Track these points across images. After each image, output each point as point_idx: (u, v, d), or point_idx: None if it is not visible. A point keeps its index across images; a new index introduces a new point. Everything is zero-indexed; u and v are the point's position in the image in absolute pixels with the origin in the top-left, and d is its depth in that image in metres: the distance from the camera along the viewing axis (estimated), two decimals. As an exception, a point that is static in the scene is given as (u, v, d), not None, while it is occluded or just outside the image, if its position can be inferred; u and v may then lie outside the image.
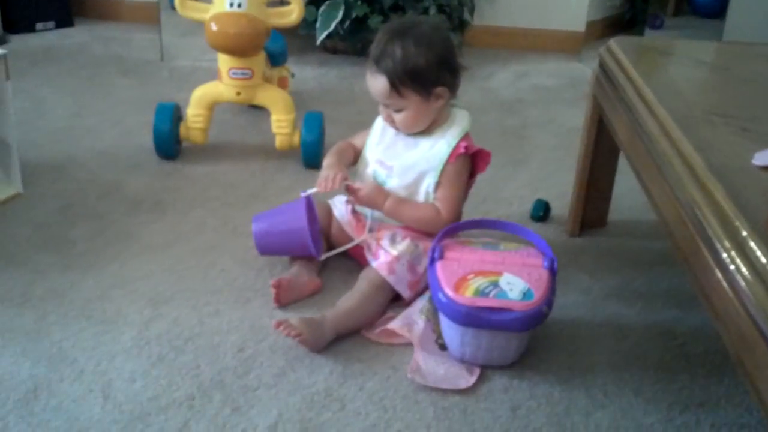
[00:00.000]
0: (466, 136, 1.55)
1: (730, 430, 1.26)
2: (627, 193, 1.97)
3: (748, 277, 0.88)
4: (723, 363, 1.41)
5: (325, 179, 1.53)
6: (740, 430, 1.26)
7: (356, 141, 1.66)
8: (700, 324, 1.52)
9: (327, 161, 1.60)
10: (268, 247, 1.57)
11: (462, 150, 1.51)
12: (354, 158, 1.64)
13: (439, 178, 1.52)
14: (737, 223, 0.94)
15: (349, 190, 1.54)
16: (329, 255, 1.56)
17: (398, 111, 1.51)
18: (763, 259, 0.87)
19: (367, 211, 1.57)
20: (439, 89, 1.49)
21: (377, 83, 1.50)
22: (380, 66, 1.48)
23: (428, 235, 1.52)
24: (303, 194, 1.54)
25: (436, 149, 1.52)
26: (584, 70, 3.05)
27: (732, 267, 0.91)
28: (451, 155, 1.51)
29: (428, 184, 1.53)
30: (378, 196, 1.53)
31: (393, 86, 1.47)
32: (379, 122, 1.61)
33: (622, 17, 3.67)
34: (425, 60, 1.46)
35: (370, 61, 1.50)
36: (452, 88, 1.52)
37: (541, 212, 1.87)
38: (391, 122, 1.54)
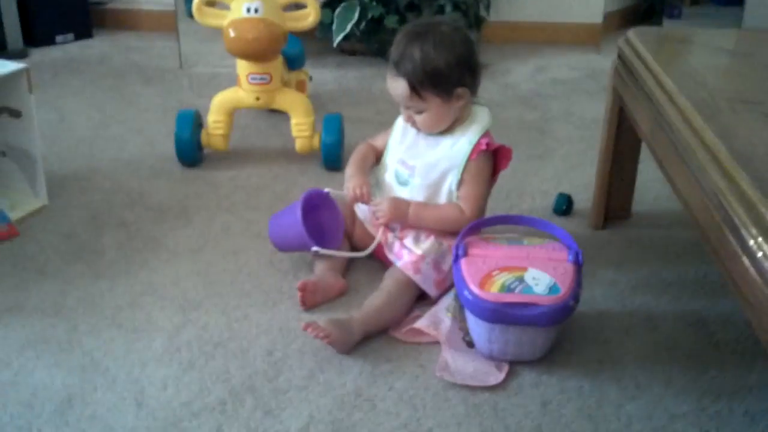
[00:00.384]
0: (486, 133, 1.55)
1: (763, 417, 1.25)
2: (650, 183, 1.96)
3: (777, 263, 0.87)
4: (754, 350, 1.40)
5: (353, 195, 1.57)
6: (774, 418, 1.25)
7: (377, 142, 1.67)
8: (729, 312, 1.51)
9: (349, 170, 1.60)
10: (278, 242, 1.60)
11: (483, 147, 1.51)
12: (376, 160, 1.64)
13: (462, 176, 1.52)
14: (763, 210, 0.93)
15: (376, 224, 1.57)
16: (327, 252, 1.55)
17: (419, 113, 1.51)
18: (792, 246, 0.86)
19: None
20: (460, 90, 1.49)
21: (397, 86, 1.50)
22: (400, 69, 1.48)
23: (452, 233, 1.53)
24: (326, 191, 1.59)
25: (457, 147, 1.52)
26: (603, 62, 3.03)
27: (760, 254, 0.91)
28: (472, 152, 1.51)
29: (451, 182, 1.53)
30: (399, 209, 1.53)
31: (413, 89, 1.47)
32: (400, 122, 1.61)
33: (639, 8, 3.64)
34: (445, 62, 1.46)
35: (390, 64, 1.50)
36: (473, 87, 1.52)
37: (564, 206, 1.86)
38: (413, 123, 1.54)
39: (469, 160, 1.52)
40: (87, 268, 1.63)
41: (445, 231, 1.53)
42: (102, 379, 1.32)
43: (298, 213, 1.52)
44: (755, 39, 1.71)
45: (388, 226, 1.57)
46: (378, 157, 1.65)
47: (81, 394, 1.28)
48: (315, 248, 1.53)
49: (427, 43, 1.46)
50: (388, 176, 1.60)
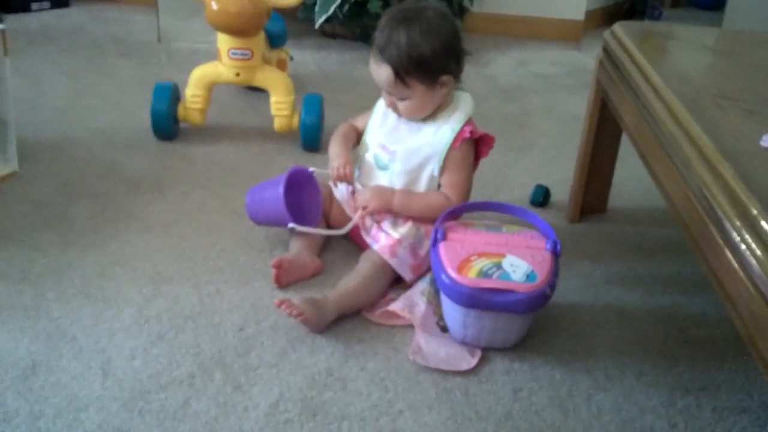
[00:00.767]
0: (469, 121, 1.54)
1: (731, 414, 1.26)
2: (627, 180, 1.97)
3: (760, 256, 0.87)
4: (724, 347, 1.41)
5: (337, 174, 1.54)
6: (741, 414, 1.26)
7: (358, 123, 1.65)
8: (701, 309, 1.52)
9: (333, 149, 1.58)
10: (255, 215, 1.58)
11: (467, 135, 1.50)
12: (358, 140, 1.63)
13: (444, 164, 1.51)
14: (748, 204, 0.94)
15: (360, 210, 1.53)
16: (302, 229, 1.52)
17: (402, 99, 1.50)
18: (775, 239, 0.87)
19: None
20: (445, 77, 1.48)
21: (381, 73, 1.48)
22: (384, 55, 1.46)
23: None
24: (310, 170, 1.57)
25: (440, 134, 1.51)
26: (583, 58, 3.04)
27: (743, 247, 0.91)
28: (455, 140, 1.50)
29: (432, 168, 1.52)
30: (384, 197, 1.52)
31: (398, 76, 1.46)
32: (381, 105, 1.59)
33: (621, 7, 3.67)
34: (431, 49, 1.44)
35: (375, 49, 1.48)
36: (457, 74, 1.51)
37: (541, 198, 1.87)
38: (395, 109, 1.52)
39: (452, 147, 1.50)
40: (56, 236, 1.60)
41: (429, 219, 1.52)
42: (68, 347, 1.29)
43: (281, 188, 1.50)
44: (737, 38, 1.72)
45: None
46: (358, 137, 1.63)
47: (46, 361, 1.25)
48: (291, 225, 1.51)
49: (414, 29, 1.44)
50: (368, 157, 1.58)
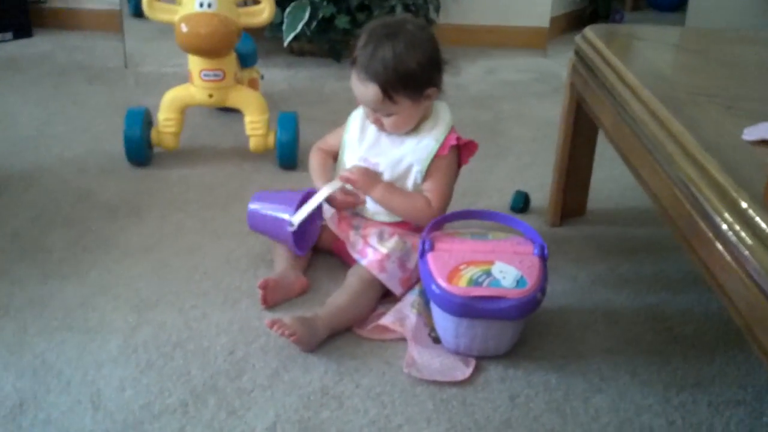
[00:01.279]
0: (452, 130, 1.54)
1: (727, 408, 1.27)
2: (604, 182, 1.99)
3: (753, 247, 0.88)
4: (713, 343, 1.42)
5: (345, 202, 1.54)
6: (737, 407, 1.27)
7: (329, 142, 1.64)
8: (687, 305, 1.53)
9: (319, 185, 1.56)
10: (256, 226, 1.56)
11: (454, 142, 1.50)
12: (333, 159, 1.62)
13: (429, 171, 1.51)
14: (736, 196, 0.94)
15: (343, 178, 1.51)
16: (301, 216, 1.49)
17: (389, 115, 1.48)
18: (767, 228, 0.87)
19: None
20: (430, 90, 1.48)
21: (368, 91, 1.45)
22: (370, 73, 1.43)
23: (416, 230, 1.51)
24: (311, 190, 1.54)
25: (423, 144, 1.51)
26: (550, 64, 3.07)
27: (734, 239, 0.91)
28: (442, 148, 1.50)
29: (415, 176, 1.52)
30: (370, 178, 1.50)
31: (385, 93, 1.44)
32: (356, 119, 1.58)
33: (583, 12, 3.71)
34: (417, 63, 1.44)
35: (358, 67, 1.45)
36: (440, 85, 1.51)
37: (521, 204, 1.87)
38: (380, 126, 1.51)
39: (439, 155, 1.50)
40: (34, 268, 1.56)
41: (406, 226, 1.52)
42: (55, 381, 1.26)
43: (291, 212, 1.49)
44: (705, 36, 1.74)
45: (347, 212, 1.56)
46: (333, 157, 1.62)
47: (33, 397, 1.22)
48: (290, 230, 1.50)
49: (398, 44, 1.43)
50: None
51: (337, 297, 1.42)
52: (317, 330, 1.34)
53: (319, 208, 1.55)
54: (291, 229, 1.48)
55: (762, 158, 1.03)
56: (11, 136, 2.19)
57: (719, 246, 0.95)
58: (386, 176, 1.52)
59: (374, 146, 1.55)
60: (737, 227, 0.91)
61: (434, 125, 1.52)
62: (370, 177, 1.51)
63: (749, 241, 0.89)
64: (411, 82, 1.44)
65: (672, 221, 1.11)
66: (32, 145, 2.13)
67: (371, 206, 1.55)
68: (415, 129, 1.53)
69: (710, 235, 0.97)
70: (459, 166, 1.57)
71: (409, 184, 1.53)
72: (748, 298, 0.88)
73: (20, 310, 1.43)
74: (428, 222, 1.45)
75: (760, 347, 0.87)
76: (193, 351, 1.34)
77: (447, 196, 1.53)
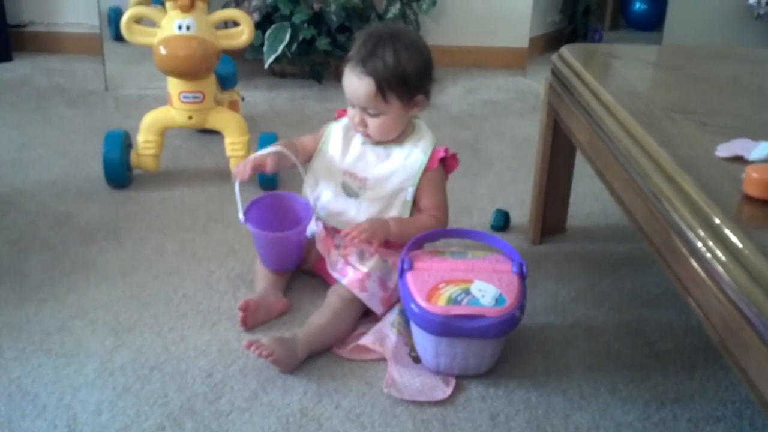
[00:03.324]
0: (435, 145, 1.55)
1: (707, 424, 1.27)
2: (583, 199, 2.00)
3: (726, 263, 0.88)
4: (693, 358, 1.43)
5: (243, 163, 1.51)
6: (717, 423, 1.27)
7: (304, 140, 1.61)
8: (667, 321, 1.53)
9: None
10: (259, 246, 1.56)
11: (442, 154, 1.52)
12: (305, 158, 1.58)
13: (420, 186, 1.51)
14: (710, 212, 0.95)
15: (351, 237, 1.46)
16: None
17: (375, 116, 1.48)
18: (740, 244, 0.88)
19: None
20: (419, 97, 1.49)
21: (362, 85, 1.46)
22: (368, 68, 1.45)
23: (396, 249, 1.51)
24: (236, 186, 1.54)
25: (412, 158, 1.51)
26: (530, 84, 3.09)
27: (708, 255, 0.92)
28: (431, 161, 1.51)
29: (405, 194, 1.52)
30: (383, 227, 1.48)
31: (379, 89, 1.45)
32: (338, 131, 1.58)
33: (562, 32, 3.74)
34: (414, 66, 1.46)
35: (356, 61, 1.46)
36: (429, 97, 1.52)
37: (502, 222, 1.88)
38: (364, 127, 1.51)
39: (429, 169, 1.51)
40: (11, 292, 1.55)
41: (386, 245, 1.51)
42: (31, 406, 1.24)
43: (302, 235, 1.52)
44: (680, 53, 1.76)
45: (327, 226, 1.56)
46: (307, 156, 1.59)
47: (8, 422, 1.21)
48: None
49: (399, 45, 1.45)
50: (335, 187, 1.56)
51: (317, 317, 1.41)
52: (296, 350, 1.33)
53: (301, 231, 1.54)
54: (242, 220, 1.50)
55: (735, 174, 1.04)
56: (-11, 159, 2.17)
57: (693, 262, 0.95)
58: (373, 194, 1.52)
59: (359, 160, 1.54)
60: (710, 243, 0.92)
61: (420, 138, 1.53)
62: (384, 228, 1.48)
63: (722, 257, 0.90)
64: (405, 84, 1.46)
65: (647, 237, 1.12)
66: (11, 168, 2.12)
67: (354, 218, 1.54)
68: (398, 141, 1.53)
69: (684, 250, 0.98)
70: (443, 178, 1.57)
71: (399, 201, 1.52)
72: (722, 313, 0.88)
73: (-4, 335, 1.42)
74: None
75: (734, 362, 0.87)
76: (170, 374, 1.33)
77: (447, 208, 1.56)
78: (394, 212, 1.53)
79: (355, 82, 1.46)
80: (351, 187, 1.54)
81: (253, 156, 1.53)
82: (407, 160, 1.51)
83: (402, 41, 1.46)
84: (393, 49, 1.45)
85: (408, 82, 1.46)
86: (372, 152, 1.54)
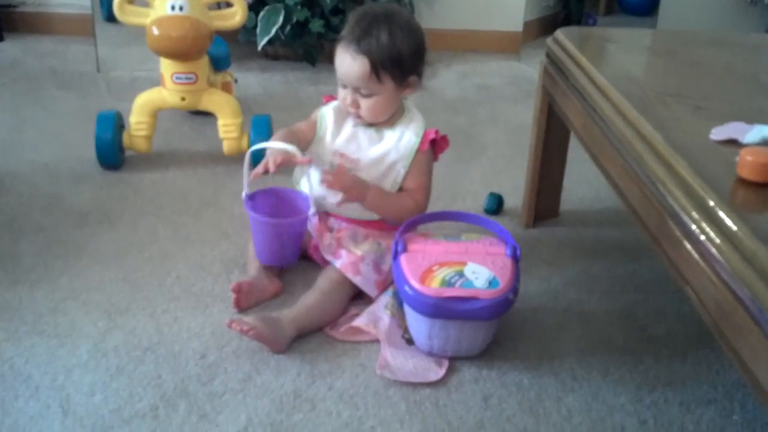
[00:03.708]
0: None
1: (698, 407, 1.28)
2: (576, 184, 2.00)
3: (720, 245, 0.89)
4: (685, 343, 1.43)
5: (266, 162, 1.44)
6: (708, 406, 1.28)
7: (301, 126, 1.57)
8: (660, 306, 1.54)
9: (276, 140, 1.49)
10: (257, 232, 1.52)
11: (433, 135, 1.51)
12: (305, 147, 1.55)
13: (409, 168, 1.51)
14: (704, 195, 0.95)
15: (328, 175, 1.44)
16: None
17: (368, 96, 1.47)
18: (734, 227, 0.88)
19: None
20: (412, 78, 1.48)
21: (355, 65, 1.44)
22: (362, 47, 1.43)
23: (390, 232, 1.51)
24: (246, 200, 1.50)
25: (405, 140, 1.51)
26: (524, 68, 3.08)
27: (702, 237, 0.92)
28: (423, 143, 1.50)
29: (397, 174, 1.51)
30: (359, 187, 1.47)
31: (374, 69, 1.44)
32: (329, 115, 1.57)
33: (557, 17, 3.73)
34: (408, 47, 1.45)
35: (349, 40, 1.45)
36: (421, 78, 1.51)
37: (495, 206, 1.88)
38: (356, 108, 1.49)
39: (420, 150, 1.50)
40: (4, 274, 1.54)
41: (380, 227, 1.51)
42: (24, 387, 1.24)
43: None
44: (674, 38, 1.76)
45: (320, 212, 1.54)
46: (306, 144, 1.56)
47: (1, 403, 1.21)
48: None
49: (394, 25, 1.44)
50: (323, 167, 1.54)
51: (306, 297, 1.42)
52: (282, 328, 1.33)
53: (302, 226, 1.52)
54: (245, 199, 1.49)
55: (729, 158, 1.04)
56: (-20, 141, 2.16)
57: (687, 245, 0.96)
58: (365, 174, 1.51)
59: (351, 141, 1.53)
60: (705, 226, 0.92)
61: (411, 120, 1.53)
62: (361, 188, 1.47)
63: (717, 240, 0.90)
64: (399, 64, 1.45)
65: (641, 221, 1.12)
66: (2, 151, 2.10)
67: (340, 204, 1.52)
68: (390, 124, 1.52)
69: (678, 233, 0.98)
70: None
71: (390, 182, 1.52)
72: (716, 296, 0.88)
73: (-12, 316, 1.41)
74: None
75: (727, 345, 0.87)
76: (164, 355, 1.33)
77: (429, 192, 1.55)
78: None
79: (349, 61, 1.45)
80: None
81: (272, 155, 1.44)
82: (400, 142, 1.51)
83: (397, 21, 1.45)
84: (388, 29, 1.44)
85: (402, 62, 1.45)
86: (364, 134, 1.53)
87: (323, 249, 1.52)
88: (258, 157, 1.91)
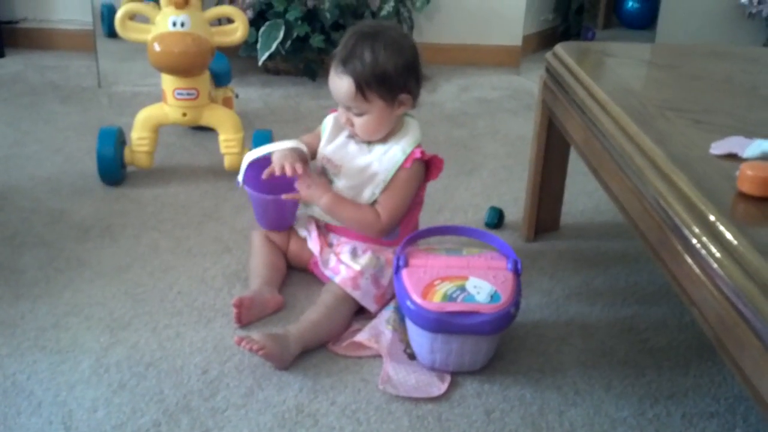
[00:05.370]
0: (419, 146, 1.54)
1: (700, 420, 1.28)
2: (577, 197, 2.00)
3: (721, 259, 0.89)
4: (687, 355, 1.43)
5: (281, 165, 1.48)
6: (710, 419, 1.28)
7: (305, 138, 1.60)
8: (661, 318, 1.54)
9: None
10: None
11: (418, 156, 1.49)
12: (312, 152, 1.58)
13: (388, 183, 1.49)
14: (705, 210, 0.95)
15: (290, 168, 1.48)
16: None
17: (360, 115, 1.48)
18: (735, 241, 0.88)
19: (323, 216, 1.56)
20: (404, 96, 1.47)
21: (342, 84, 1.45)
22: (347, 67, 1.44)
23: (389, 246, 1.51)
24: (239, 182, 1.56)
25: (390, 154, 1.50)
26: (523, 82, 3.09)
27: (703, 252, 0.93)
28: (406, 160, 1.49)
29: (376, 186, 1.49)
30: (317, 189, 1.49)
31: (359, 89, 1.44)
32: (330, 122, 1.57)
33: (556, 31, 3.75)
34: (393, 65, 1.44)
35: (336, 60, 1.46)
36: (415, 96, 1.51)
37: (496, 219, 1.88)
38: (351, 126, 1.50)
39: (401, 168, 1.49)
40: (6, 289, 1.54)
41: (379, 242, 1.52)
42: (26, 402, 1.24)
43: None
44: (673, 51, 1.77)
45: (325, 239, 1.55)
46: (312, 154, 1.58)
47: (3, 419, 1.21)
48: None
49: (378, 44, 1.44)
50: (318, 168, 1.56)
51: (310, 313, 1.42)
52: (288, 346, 1.33)
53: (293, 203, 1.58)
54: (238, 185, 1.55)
55: (730, 172, 1.04)
56: (-18, 156, 2.17)
57: (688, 259, 0.96)
58: (346, 182, 1.51)
59: (341, 149, 1.53)
60: (705, 240, 0.93)
61: (403, 137, 1.52)
62: (319, 191, 1.49)
63: (717, 254, 0.90)
64: (385, 83, 1.44)
65: (642, 234, 1.12)
66: (4, 165, 2.11)
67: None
68: (383, 139, 1.52)
69: (679, 247, 0.98)
70: (426, 180, 1.56)
71: (367, 194, 1.51)
72: (718, 310, 0.89)
73: (-9, 332, 1.41)
74: (375, 235, 1.48)
75: (729, 359, 0.87)
76: (166, 371, 1.33)
77: (399, 211, 1.50)
78: (362, 202, 1.51)
79: (337, 82, 1.46)
80: (328, 173, 1.54)
81: (286, 160, 1.49)
82: (385, 155, 1.50)
83: (382, 39, 1.44)
84: (371, 47, 1.43)
85: (388, 80, 1.44)
86: (355, 145, 1.53)
87: (323, 264, 1.52)
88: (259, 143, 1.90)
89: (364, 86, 1.44)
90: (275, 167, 1.49)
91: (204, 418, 1.23)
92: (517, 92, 2.96)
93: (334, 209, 1.50)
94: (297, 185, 1.51)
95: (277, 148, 1.53)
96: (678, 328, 1.51)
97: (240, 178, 1.56)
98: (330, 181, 1.53)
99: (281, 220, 1.61)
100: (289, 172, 1.47)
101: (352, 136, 1.53)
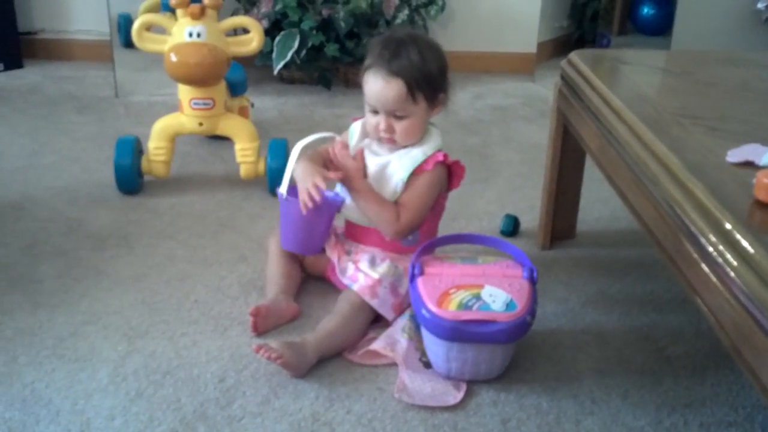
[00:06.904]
0: (441, 150, 1.54)
1: (718, 429, 1.27)
2: (593, 204, 2.00)
3: (738, 267, 0.89)
4: (704, 363, 1.42)
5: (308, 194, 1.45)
6: (728, 428, 1.27)
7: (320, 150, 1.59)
8: (678, 326, 1.53)
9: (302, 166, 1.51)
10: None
11: (440, 158, 1.49)
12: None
13: (408, 182, 1.49)
14: (721, 217, 0.95)
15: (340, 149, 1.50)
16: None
17: (402, 118, 1.47)
18: (751, 249, 0.88)
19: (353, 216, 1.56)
20: (442, 96, 1.50)
21: (390, 88, 1.44)
22: (394, 68, 1.43)
23: (406, 254, 1.51)
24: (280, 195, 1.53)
25: (411, 155, 1.50)
26: (538, 89, 3.09)
27: (720, 260, 0.92)
28: (427, 162, 1.49)
29: (395, 185, 1.49)
30: (356, 178, 1.49)
31: (409, 90, 1.44)
32: (357, 128, 1.57)
33: (570, 38, 3.74)
34: (437, 65, 1.47)
35: (380, 65, 1.44)
36: (448, 95, 1.53)
37: (511, 227, 1.88)
38: (391, 133, 1.48)
39: (423, 168, 1.49)
40: (24, 298, 1.56)
41: (397, 250, 1.52)
42: (45, 411, 1.25)
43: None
44: (688, 58, 1.77)
45: (340, 243, 1.56)
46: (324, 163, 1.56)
47: (22, 427, 1.22)
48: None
49: (420, 46, 1.46)
50: None
51: (327, 322, 1.42)
52: (305, 354, 1.34)
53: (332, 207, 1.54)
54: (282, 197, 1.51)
55: (746, 180, 1.04)
56: (1, 167, 2.19)
57: (704, 267, 0.95)
58: (368, 178, 1.52)
59: (365, 148, 1.55)
60: (722, 248, 0.92)
61: (426, 141, 1.52)
62: (358, 171, 1.50)
63: (734, 262, 0.90)
64: (431, 83, 1.46)
65: (657, 242, 1.12)
66: (22, 175, 2.13)
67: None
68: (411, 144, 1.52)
69: (695, 255, 0.98)
70: (449, 188, 1.56)
71: (389, 192, 1.50)
72: (734, 318, 0.88)
73: (10, 340, 1.42)
74: (392, 235, 1.47)
75: (747, 367, 0.87)
76: (183, 379, 1.34)
77: (418, 214, 1.49)
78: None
79: (382, 85, 1.44)
80: None
81: (306, 182, 1.47)
82: (407, 155, 1.50)
83: (421, 43, 1.48)
84: (417, 49, 1.45)
85: (433, 81, 1.47)
86: (377, 147, 1.54)
87: (340, 272, 1.52)
88: (277, 183, 1.91)
89: (414, 86, 1.44)
90: (301, 196, 1.46)
91: (220, 427, 1.23)
92: (531, 99, 2.96)
93: (363, 194, 1.49)
94: (337, 156, 1.50)
95: (323, 136, 1.55)
96: (695, 336, 1.50)
97: (283, 190, 1.51)
98: None
99: (310, 241, 1.54)
100: (314, 192, 1.44)
101: (379, 140, 1.52)
